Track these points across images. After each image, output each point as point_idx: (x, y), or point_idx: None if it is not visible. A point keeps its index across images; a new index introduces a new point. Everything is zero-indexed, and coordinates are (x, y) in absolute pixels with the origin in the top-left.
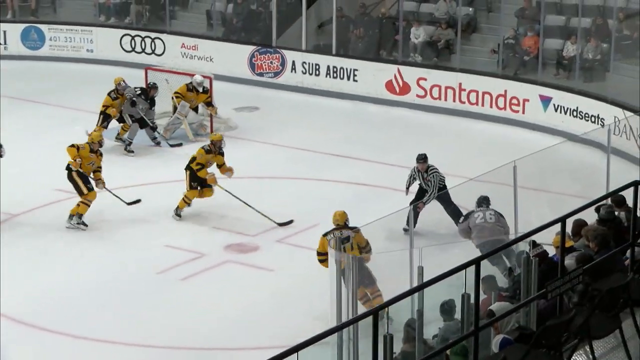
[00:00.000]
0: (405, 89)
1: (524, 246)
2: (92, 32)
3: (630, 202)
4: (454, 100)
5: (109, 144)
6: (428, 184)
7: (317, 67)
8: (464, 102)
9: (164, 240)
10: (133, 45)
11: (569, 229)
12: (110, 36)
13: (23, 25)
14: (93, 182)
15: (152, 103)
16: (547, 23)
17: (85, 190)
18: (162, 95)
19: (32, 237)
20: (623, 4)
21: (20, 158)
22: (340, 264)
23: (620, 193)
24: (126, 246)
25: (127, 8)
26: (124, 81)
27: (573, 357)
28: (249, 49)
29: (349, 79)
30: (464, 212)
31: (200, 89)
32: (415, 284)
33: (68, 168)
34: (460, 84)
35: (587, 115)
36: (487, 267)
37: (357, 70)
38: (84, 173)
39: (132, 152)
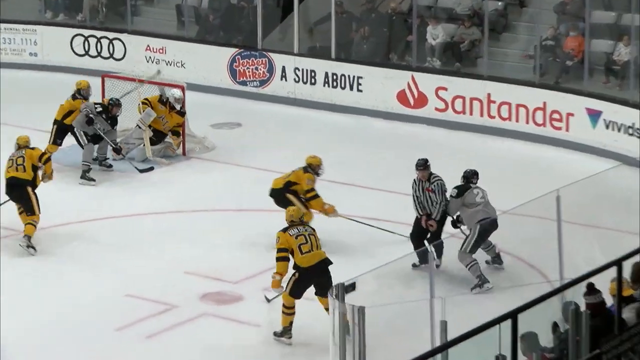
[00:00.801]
0: (421, 100)
1: (571, 295)
2: (36, 32)
3: None
4: (481, 115)
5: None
6: (430, 197)
7: (313, 74)
8: (493, 117)
9: (124, 290)
10: (86, 48)
11: (626, 273)
12: (58, 36)
13: None
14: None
15: (113, 122)
16: (593, 20)
17: (37, 211)
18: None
19: None
20: None
21: None
22: (344, 316)
23: None
24: (81, 295)
25: (79, 2)
26: (89, 88)
27: None
28: (229, 52)
29: (351, 88)
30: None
31: (177, 107)
32: (437, 342)
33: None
34: (488, 95)
35: None
36: (526, 322)
37: (361, 78)
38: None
39: (93, 180)
